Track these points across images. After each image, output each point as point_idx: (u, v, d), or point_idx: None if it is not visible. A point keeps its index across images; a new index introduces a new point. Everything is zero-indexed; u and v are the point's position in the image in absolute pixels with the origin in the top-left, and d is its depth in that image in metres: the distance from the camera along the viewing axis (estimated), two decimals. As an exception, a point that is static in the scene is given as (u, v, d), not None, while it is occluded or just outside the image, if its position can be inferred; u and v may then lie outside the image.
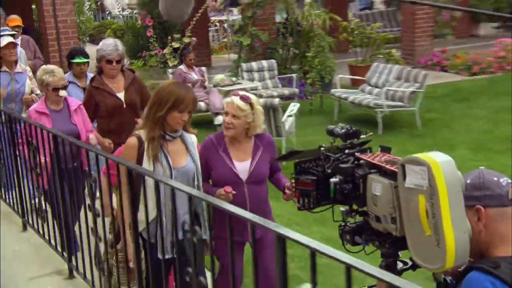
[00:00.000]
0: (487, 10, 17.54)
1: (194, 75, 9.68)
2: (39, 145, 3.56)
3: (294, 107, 8.94)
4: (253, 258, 2.32)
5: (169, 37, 11.62)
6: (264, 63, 11.25)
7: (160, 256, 2.95)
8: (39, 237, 3.96)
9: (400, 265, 1.71)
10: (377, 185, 1.59)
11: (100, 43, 5.13)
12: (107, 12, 22.87)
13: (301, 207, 1.79)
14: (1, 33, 5.82)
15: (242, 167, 3.51)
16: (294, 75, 11.35)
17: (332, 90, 10.57)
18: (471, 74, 13.40)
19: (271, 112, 8.63)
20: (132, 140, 3.05)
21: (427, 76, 10.03)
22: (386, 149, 1.80)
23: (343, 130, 1.89)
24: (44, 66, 4.65)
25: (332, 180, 1.69)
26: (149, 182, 2.77)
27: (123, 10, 21.88)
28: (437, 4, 12.14)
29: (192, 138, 3.32)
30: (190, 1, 2.54)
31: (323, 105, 10.94)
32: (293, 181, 1.94)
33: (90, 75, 5.57)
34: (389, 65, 11.11)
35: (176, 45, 11.09)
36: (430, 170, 1.31)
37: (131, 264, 2.99)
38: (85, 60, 5.58)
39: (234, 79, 10.68)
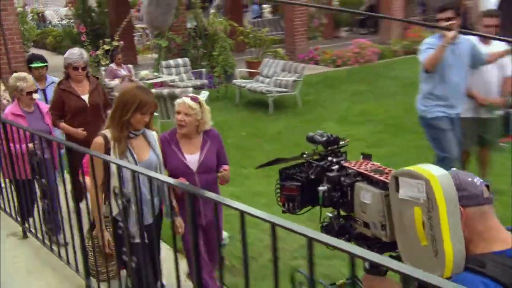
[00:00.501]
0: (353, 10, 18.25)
1: (123, 71, 10.02)
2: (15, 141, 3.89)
3: (204, 94, 9.36)
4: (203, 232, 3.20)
5: (101, 41, 11.96)
6: (180, 60, 11.88)
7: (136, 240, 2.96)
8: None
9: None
10: (366, 194, 1.53)
11: (67, 52, 5.06)
12: (48, 22, 22.65)
13: (286, 210, 1.76)
14: None
15: (193, 159, 3.53)
16: (203, 69, 12.17)
17: (234, 81, 11.45)
18: (336, 66, 14.66)
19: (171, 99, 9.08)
20: (98, 139, 3.01)
21: (304, 68, 11.15)
22: (367, 157, 1.76)
23: (324, 138, 1.84)
24: (15, 74, 4.62)
25: (321, 188, 1.64)
26: (115, 171, 2.80)
27: (62, 20, 22.27)
28: (305, 3, 13.94)
29: (153, 134, 3.31)
30: (169, 13, 2.49)
31: (227, 92, 11.69)
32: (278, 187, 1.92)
33: (51, 78, 5.69)
34: (276, 60, 12.08)
35: (107, 47, 11.44)
36: (428, 184, 1.26)
37: (107, 249, 3.06)
38: (43, 64, 5.51)
39: (156, 73, 11.39)
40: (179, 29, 12.54)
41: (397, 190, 1.37)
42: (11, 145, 3.91)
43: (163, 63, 11.65)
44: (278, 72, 11.38)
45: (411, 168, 1.34)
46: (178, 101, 3.55)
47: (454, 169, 1.55)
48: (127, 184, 2.76)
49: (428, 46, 5.42)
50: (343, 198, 1.61)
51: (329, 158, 1.80)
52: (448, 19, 5.20)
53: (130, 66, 10.72)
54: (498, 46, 5.50)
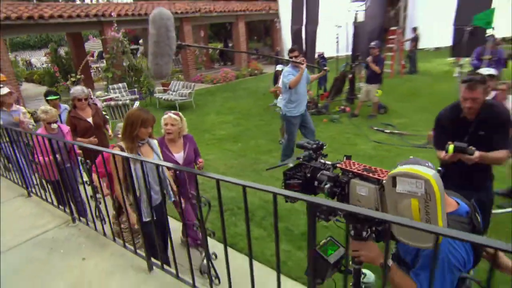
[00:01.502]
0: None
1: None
2: (37, 149, 3.48)
3: (136, 103, 10.02)
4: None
5: (69, 75, 12.41)
6: (120, 85, 12.82)
7: (144, 219, 2.90)
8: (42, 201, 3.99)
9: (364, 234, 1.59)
10: (362, 188, 1.49)
11: (72, 89, 5.05)
12: (34, 66, 23.61)
13: (290, 201, 1.67)
14: None
15: (179, 156, 3.53)
16: (135, 89, 13.09)
17: (154, 94, 12.92)
18: (213, 83, 16.69)
19: (124, 107, 10.27)
20: (116, 149, 2.88)
21: (195, 86, 12.71)
22: (348, 157, 1.70)
23: (314, 145, 1.78)
24: (41, 107, 4.33)
25: (326, 186, 1.59)
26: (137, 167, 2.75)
27: (42, 64, 23.28)
28: (202, 46, 16.01)
29: (154, 142, 3.19)
30: (171, 61, 2.13)
31: (151, 102, 13.08)
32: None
33: (63, 105, 5.58)
34: (178, 81, 13.37)
35: (73, 79, 11.87)
36: (428, 182, 1.24)
37: (136, 226, 2.97)
38: (56, 97, 5.28)
39: (106, 93, 11.99)
40: (118, 65, 13.27)
41: (394, 186, 1.32)
42: (41, 157, 3.52)
43: (110, 86, 12.49)
44: (180, 88, 12.82)
45: (407, 170, 1.29)
46: (165, 116, 3.56)
47: (411, 157, 1.56)
48: (140, 179, 2.79)
49: (290, 73, 5.83)
50: (342, 191, 1.56)
51: (322, 161, 1.76)
52: (296, 56, 5.80)
53: (89, 89, 8.95)
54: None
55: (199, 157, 3.87)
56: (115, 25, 13.28)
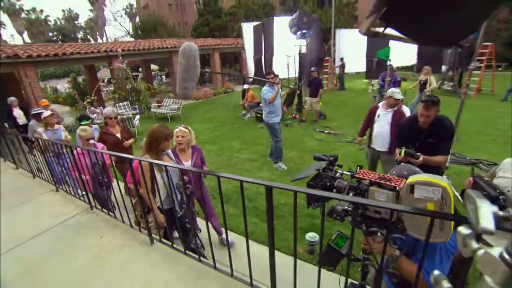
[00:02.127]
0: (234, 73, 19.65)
1: (97, 110, 10.45)
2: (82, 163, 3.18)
3: (137, 117, 10.14)
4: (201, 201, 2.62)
5: (86, 97, 12.04)
6: (125, 103, 12.03)
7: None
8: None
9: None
10: (380, 194, 1.33)
11: (105, 109, 4.62)
12: (59, 91, 22.46)
13: (312, 207, 1.52)
14: (39, 111, 5.54)
15: (187, 164, 3.25)
16: (136, 105, 12.34)
17: (151, 109, 12.42)
18: (196, 100, 15.65)
19: (128, 120, 10.08)
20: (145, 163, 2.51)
21: (182, 102, 12.34)
22: (361, 166, 1.52)
23: (331, 158, 1.60)
24: (80, 127, 4.02)
25: (350, 194, 1.42)
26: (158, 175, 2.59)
27: (66, 89, 21.89)
28: (217, 72, 15.13)
29: (169, 152, 2.95)
30: (195, 84, 1.96)
31: (149, 115, 12.59)
32: None
33: (94, 126, 5.11)
34: (169, 99, 13.17)
35: (88, 99, 11.59)
36: (445, 190, 1.12)
37: (164, 224, 2.74)
38: (88, 122, 4.95)
39: (115, 110, 10.38)
40: (123, 88, 12.62)
41: (411, 192, 1.17)
42: (82, 175, 3.27)
43: (117, 104, 12.01)
44: (170, 104, 12.64)
45: (425, 179, 1.14)
46: (176, 130, 3.24)
47: (403, 163, 1.48)
48: (166, 180, 2.57)
49: (268, 91, 5.61)
50: (362, 197, 1.38)
51: (339, 171, 1.56)
52: (272, 77, 5.61)
53: (100, 107, 11.33)
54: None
55: (204, 165, 3.55)
56: (120, 58, 12.98)
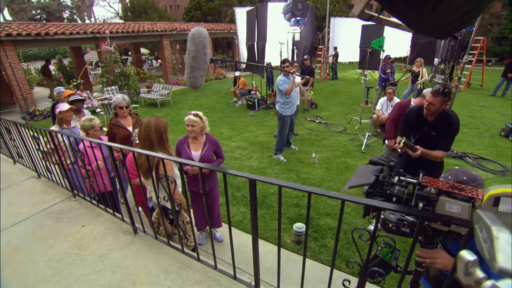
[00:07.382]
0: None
1: (84, 94, 10.50)
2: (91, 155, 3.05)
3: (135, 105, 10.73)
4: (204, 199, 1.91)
5: (72, 80, 11.91)
6: (113, 87, 11.87)
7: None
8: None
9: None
10: (453, 205, 1.19)
11: (114, 97, 3.88)
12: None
13: (369, 217, 1.41)
14: (59, 103, 4.33)
15: (196, 154, 3.08)
16: (125, 90, 12.21)
17: (141, 95, 12.14)
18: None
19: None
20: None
21: (172, 87, 12.11)
22: (424, 173, 1.37)
23: (391, 163, 1.46)
24: (85, 117, 3.49)
25: (420, 205, 1.27)
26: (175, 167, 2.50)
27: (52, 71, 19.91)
28: (227, 60, 14.10)
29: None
30: (204, 74, 1.83)
31: (137, 100, 12.27)
32: None
33: (85, 111, 4.50)
34: (160, 84, 12.76)
35: (75, 83, 11.33)
36: None
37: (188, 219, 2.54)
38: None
39: (101, 94, 11.25)
40: (111, 72, 12.45)
41: (495, 205, 1.05)
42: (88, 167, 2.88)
43: (105, 89, 11.78)
44: (160, 89, 12.40)
45: (506, 189, 1.05)
46: (186, 118, 3.11)
47: (457, 167, 1.34)
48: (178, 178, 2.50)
49: (284, 82, 5.37)
50: (430, 207, 1.25)
51: (402, 178, 1.38)
52: (287, 67, 5.32)
53: (87, 91, 11.54)
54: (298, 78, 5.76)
55: (221, 159, 3.23)
56: (108, 40, 12.66)
